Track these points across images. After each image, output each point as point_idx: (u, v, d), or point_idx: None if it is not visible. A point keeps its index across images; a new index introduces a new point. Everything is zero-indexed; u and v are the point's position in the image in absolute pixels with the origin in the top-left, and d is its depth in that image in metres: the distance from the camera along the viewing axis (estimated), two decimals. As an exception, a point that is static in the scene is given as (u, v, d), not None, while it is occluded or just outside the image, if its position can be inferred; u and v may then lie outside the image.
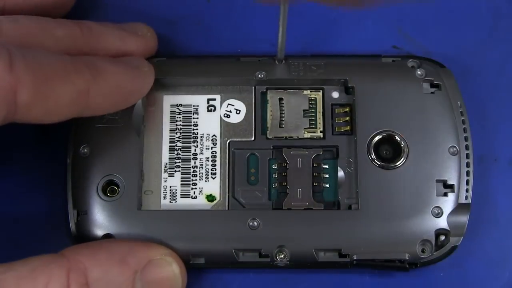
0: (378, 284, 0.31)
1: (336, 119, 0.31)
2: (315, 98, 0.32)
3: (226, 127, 0.31)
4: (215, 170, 0.31)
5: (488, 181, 0.32)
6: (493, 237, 0.32)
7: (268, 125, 0.31)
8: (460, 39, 0.34)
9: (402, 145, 0.31)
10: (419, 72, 0.31)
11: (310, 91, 0.32)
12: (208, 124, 0.31)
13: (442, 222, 0.30)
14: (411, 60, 0.32)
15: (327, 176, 0.31)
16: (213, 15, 0.34)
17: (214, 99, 0.32)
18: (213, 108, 0.32)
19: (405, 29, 0.34)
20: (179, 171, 0.31)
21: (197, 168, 0.31)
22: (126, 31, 0.30)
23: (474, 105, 0.33)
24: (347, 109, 0.31)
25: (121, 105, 0.29)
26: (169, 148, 0.31)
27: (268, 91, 0.32)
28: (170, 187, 0.31)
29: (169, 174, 0.31)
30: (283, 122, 0.31)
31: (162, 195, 0.31)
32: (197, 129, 0.31)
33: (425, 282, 0.31)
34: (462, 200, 0.30)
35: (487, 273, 0.31)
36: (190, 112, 0.32)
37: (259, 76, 0.31)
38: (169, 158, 0.31)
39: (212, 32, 0.34)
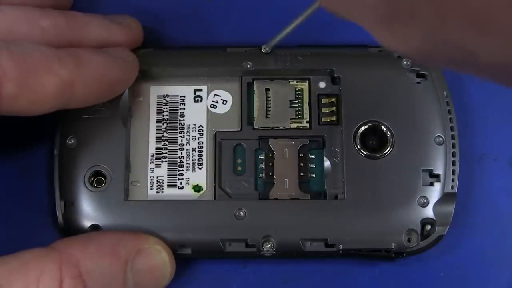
0: (364, 273, 0.31)
1: (322, 109, 0.31)
2: (302, 88, 0.32)
3: (212, 117, 0.31)
4: (202, 160, 0.31)
5: (488, 181, 0.32)
6: (493, 236, 0.32)
7: (254, 116, 0.31)
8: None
9: (388, 135, 0.31)
10: (405, 62, 0.31)
11: (297, 82, 0.32)
12: (195, 115, 0.31)
13: (428, 212, 0.30)
14: (397, 50, 0.32)
15: (313, 166, 0.31)
16: (199, 6, 0.34)
17: (201, 90, 0.32)
18: (199, 98, 0.32)
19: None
20: (166, 161, 0.31)
21: (183, 158, 0.31)
22: (111, 21, 0.30)
23: (474, 105, 0.33)
24: (334, 99, 0.31)
25: (106, 96, 0.29)
26: (156, 139, 0.31)
27: (254, 82, 0.32)
28: (157, 177, 0.31)
29: (156, 164, 0.31)
30: (269, 113, 0.31)
31: (149, 185, 0.31)
32: (183, 120, 0.31)
33: (411, 272, 0.31)
34: (448, 189, 0.30)
35: (487, 273, 0.32)
36: (177, 102, 0.32)
37: (246, 66, 0.31)
38: (156, 149, 0.31)
39: (199, 23, 0.34)
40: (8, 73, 0.24)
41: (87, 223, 0.30)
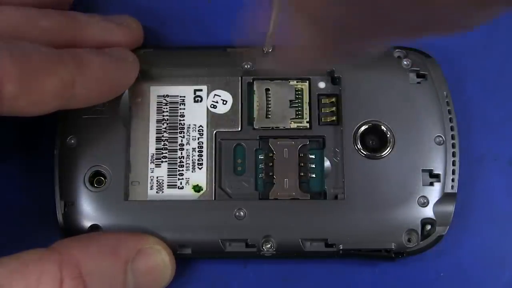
0: (364, 273, 0.31)
1: (322, 109, 0.31)
2: (302, 88, 0.32)
3: (212, 117, 0.31)
4: (202, 160, 0.31)
5: (488, 181, 0.32)
6: (493, 236, 0.32)
7: (254, 116, 0.31)
8: (460, 39, 0.34)
9: (388, 135, 0.31)
10: (405, 62, 0.31)
11: (297, 82, 0.32)
12: (195, 115, 0.31)
13: (428, 212, 0.30)
14: (397, 50, 0.32)
15: (313, 166, 0.31)
16: (199, 6, 0.34)
17: (201, 90, 0.32)
18: (199, 99, 0.32)
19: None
20: (166, 161, 0.31)
21: (183, 158, 0.31)
22: (111, 22, 0.30)
23: (474, 105, 0.33)
24: (333, 99, 0.32)
25: (106, 96, 0.29)
26: (156, 139, 0.31)
27: (254, 82, 0.32)
28: (157, 177, 0.31)
29: (156, 164, 0.31)
30: (269, 113, 0.31)
31: (149, 185, 0.31)
32: (183, 120, 0.31)
33: (411, 272, 0.31)
34: (448, 189, 0.30)
35: (487, 273, 0.32)
36: (177, 103, 0.32)
37: (246, 66, 0.31)
38: (156, 149, 0.31)
39: (199, 23, 0.34)
40: (9, 73, 0.24)
41: (87, 223, 0.30)
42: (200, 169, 0.31)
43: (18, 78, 0.25)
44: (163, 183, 0.31)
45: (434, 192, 0.30)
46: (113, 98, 0.30)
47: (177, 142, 0.31)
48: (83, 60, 0.27)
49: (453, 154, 0.30)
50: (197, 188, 0.31)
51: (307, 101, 0.32)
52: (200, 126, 0.31)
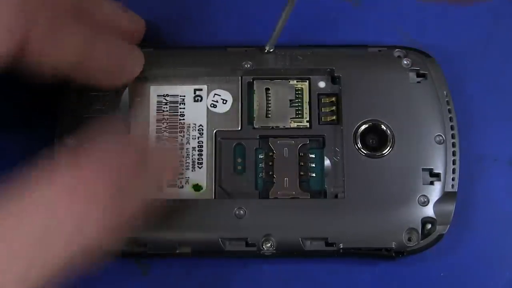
0: (365, 272, 0.31)
1: (322, 108, 0.32)
2: (302, 88, 0.32)
3: (212, 117, 0.31)
4: (202, 159, 0.31)
5: (488, 181, 0.32)
6: (494, 236, 0.32)
7: (254, 115, 0.31)
8: (459, 39, 0.34)
9: (388, 134, 0.31)
10: (405, 62, 0.32)
11: (297, 81, 0.32)
12: (195, 114, 0.31)
13: (429, 211, 0.30)
14: (397, 50, 0.32)
15: (313, 165, 0.31)
16: (199, 6, 0.34)
17: (201, 89, 0.32)
18: (199, 98, 0.32)
19: (405, 30, 0.34)
20: (166, 161, 0.31)
21: (183, 158, 0.31)
22: (119, 7, 0.31)
23: (474, 105, 0.33)
24: (333, 98, 0.32)
25: (111, 78, 0.29)
26: (156, 138, 0.31)
27: (254, 81, 0.32)
28: (157, 176, 0.31)
29: (156, 164, 0.31)
30: (269, 112, 0.31)
31: (149, 184, 0.31)
32: (183, 119, 0.31)
33: (411, 271, 0.31)
34: (449, 188, 0.30)
35: (487, 273, 0.32)
36: (177, 102, 0.32)
37: (246, 66, 0.32)
38: (156, 148, 0.31)
39: (199, 23, 0.34)
40: (36, 18, 0.25)
41: (87, 223, 0.30)
42: (200, 168, 0.31)
43: (45, 25, 0.25)
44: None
45: (434, 191, 0.30)
46: (116, 86, 0.30)
47: (177, 141, 0.31)
48: (99, 26, 0.28)
49: (453, 153, 0.30)
50: (197, 187, 0.31)
51: (307, 100, 0.32)
52: (200, 125, 0.31)
